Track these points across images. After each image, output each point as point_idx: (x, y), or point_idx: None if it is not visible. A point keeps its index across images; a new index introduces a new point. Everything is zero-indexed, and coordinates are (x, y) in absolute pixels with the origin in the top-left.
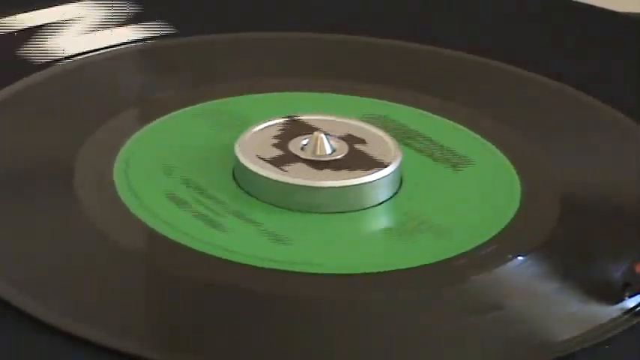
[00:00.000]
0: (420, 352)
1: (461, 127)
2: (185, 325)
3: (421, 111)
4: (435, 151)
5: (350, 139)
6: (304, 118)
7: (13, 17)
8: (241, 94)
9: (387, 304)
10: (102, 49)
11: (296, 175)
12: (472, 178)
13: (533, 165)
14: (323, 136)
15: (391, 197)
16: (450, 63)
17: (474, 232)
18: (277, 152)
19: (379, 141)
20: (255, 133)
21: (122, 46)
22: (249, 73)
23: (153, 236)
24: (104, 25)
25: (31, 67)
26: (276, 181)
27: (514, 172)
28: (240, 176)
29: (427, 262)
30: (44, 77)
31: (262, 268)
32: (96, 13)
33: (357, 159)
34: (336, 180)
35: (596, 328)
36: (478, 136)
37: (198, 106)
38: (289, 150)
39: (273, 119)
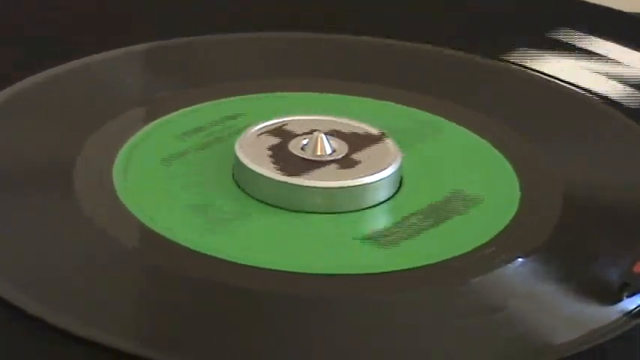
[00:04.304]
0: (419, 353)
1: (459, 127)
2: (185, 325)
3: (420, 111)
4: (434, 152)
5: (351, 139)
6: (302, 117)
7: None
8: (242, 93)
9: (386, 305)
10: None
11: (291, 175)
12: (471, 179)
13: (532, 165)
14: (323, 136)
15: (391, 198)
16: (449, 63)
17: (474, 233)
18: (278, 152)
19: (380, 142)
20: (255, 131)
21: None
22: (249, 73)
23: (152, 236)
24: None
25: None
26: (274, 181)
27: (513, 172)
28: (240, 175)
29: (426, 264)
30: (44, 78)
31: (261, 269)
32: None
33: (357, 160)
34: (335, 182)
35: (595, 330)
36: (476, 136)
37: (198, 106)
38: (289, 150)
39: (275, 119)
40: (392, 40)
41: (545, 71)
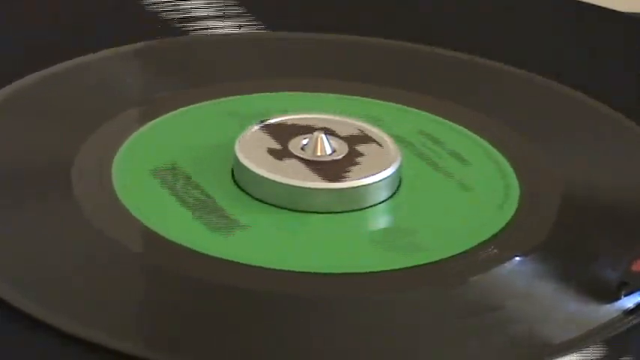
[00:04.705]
0: (417, 353)
1: (459, 127)
2: (185, 325)
3: (418, 111)
4: (434, 152)
5: (351, 139)
6: (302, 117)
7: None
8: (242, 93)
9: (384, 304)
10: None
11: (291, 176)
12: (471, 178)
13: (531, 165)
14: (323, 136)
15: (390, 197)
16: (449, 63)
17: (473, 232)
18: (278, 152)
19: (380, 142)
20: (255, 131)
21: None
22: (249, 73)
23: (152, 236)
24: None
25: None
26: (274, 181)
27: (512, 172)
28: (240, 176)
29: (425, 263)
30: (43, 77)
31: (261, 269)
32: None
33: (357, 160)
34: (335, 182)
35: (594, 329)
36: (476, 136)
37: (197, 105)
38: (289, 150)
39: (274, 118)
40: (392, 40)
41: (546, 71)
